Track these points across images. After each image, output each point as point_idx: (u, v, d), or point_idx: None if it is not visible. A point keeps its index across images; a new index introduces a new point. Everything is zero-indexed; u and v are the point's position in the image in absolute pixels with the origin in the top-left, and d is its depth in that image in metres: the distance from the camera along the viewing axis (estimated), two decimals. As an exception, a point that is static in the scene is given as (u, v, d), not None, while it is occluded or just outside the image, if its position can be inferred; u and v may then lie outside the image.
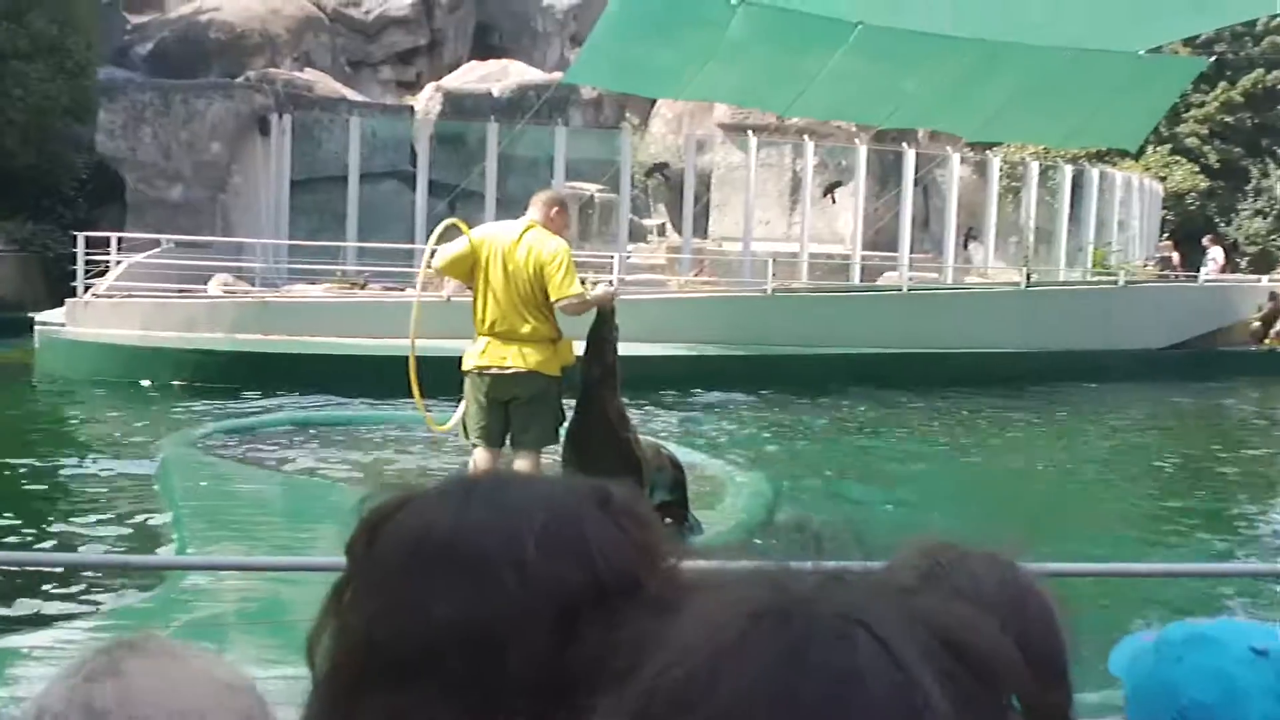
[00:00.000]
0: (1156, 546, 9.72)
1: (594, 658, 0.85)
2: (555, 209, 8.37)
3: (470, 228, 8.45)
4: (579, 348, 8.25)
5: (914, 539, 1.55)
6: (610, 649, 0.83)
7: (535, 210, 8.32)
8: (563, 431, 8.25)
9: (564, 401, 8.26)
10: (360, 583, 0.95)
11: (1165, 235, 33.33)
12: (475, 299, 8.25)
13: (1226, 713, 1.36)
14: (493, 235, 8.35)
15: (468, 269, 8.25)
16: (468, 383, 8.29)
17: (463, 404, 8.37)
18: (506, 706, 0.87)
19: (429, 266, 8.94)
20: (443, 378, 8.88)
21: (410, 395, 8.45)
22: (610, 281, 8.72)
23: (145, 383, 15.76)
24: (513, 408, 8.17)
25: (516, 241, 8.11)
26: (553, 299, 8.01)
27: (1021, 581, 1.46)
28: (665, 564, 0.93)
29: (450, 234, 8.47)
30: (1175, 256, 30.44)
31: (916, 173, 26.64)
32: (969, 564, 1.48)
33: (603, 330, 8.10)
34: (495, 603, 0.89)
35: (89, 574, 6.88)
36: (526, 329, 8.06)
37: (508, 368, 8.09)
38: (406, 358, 9.58)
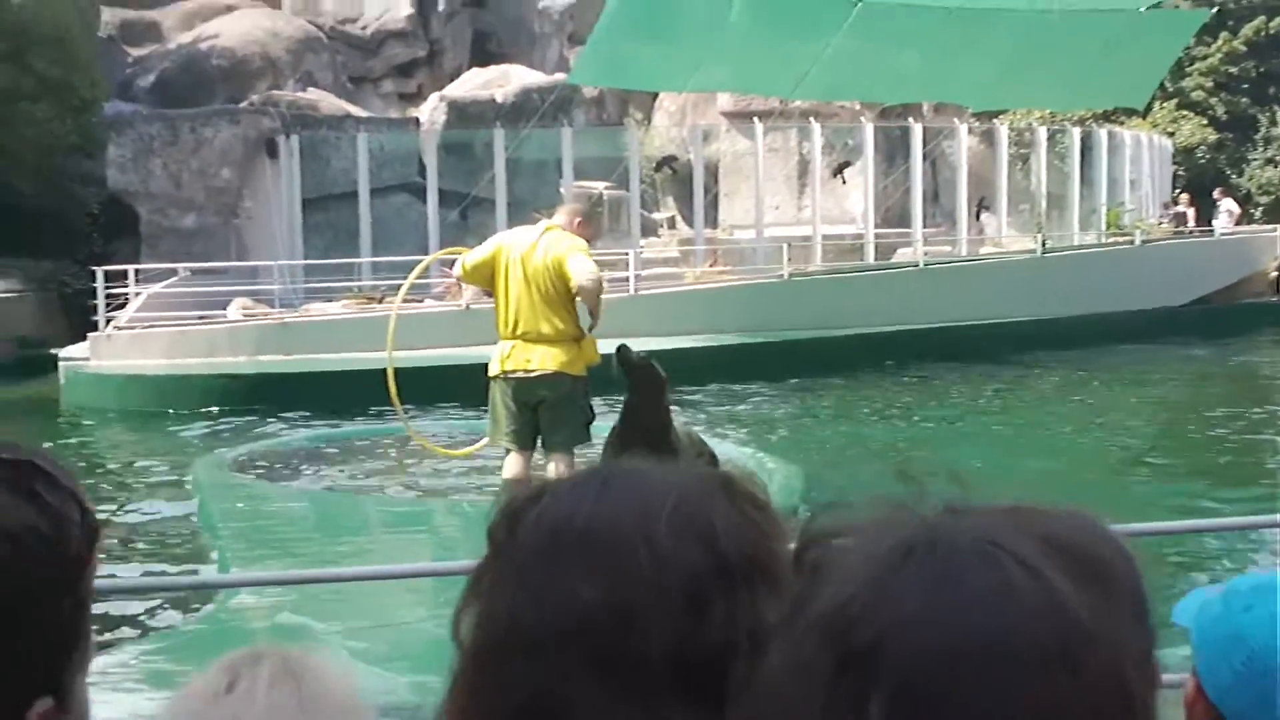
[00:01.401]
0: (1212, 503, 9.72)
1: (720, 638, 0.94)
2: (578, 220, 8.46)
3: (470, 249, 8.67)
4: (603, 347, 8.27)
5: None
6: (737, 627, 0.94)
7: (559, 216, 8.44)
8: (592, 430, 8.30)
9: (591, 400, 8.31)
10: (502, 566, 1.02)
11: (1179, 191, 33.16)
12: (497, 304, 8.33)
13: None
14: (511, 240, 8.44)
15: (488, 275, 8.35)
16: (494, 387, 8.35)
17: (485, 428, 8.48)
18: (643, 681, 0.94)
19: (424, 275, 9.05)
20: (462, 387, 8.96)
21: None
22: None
23: (173, 410, 15.87)
24: (541, 410, 8.22)
25: (535, 244, 8.19)
26: (572, 285, 8.03)
27: (1103, 533, 1.52)
28: (782, 546, 1.00)
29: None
30: (1190, 212, 30.28)
31: (924, 146, 26.59)
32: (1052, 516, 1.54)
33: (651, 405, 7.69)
34: (631, 581, 0.95)
35: (134, 599, 6.95)
36: (549, 330, 8.13)
37: (532, 370, 8.15)
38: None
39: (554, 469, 7.99)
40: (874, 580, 0.74)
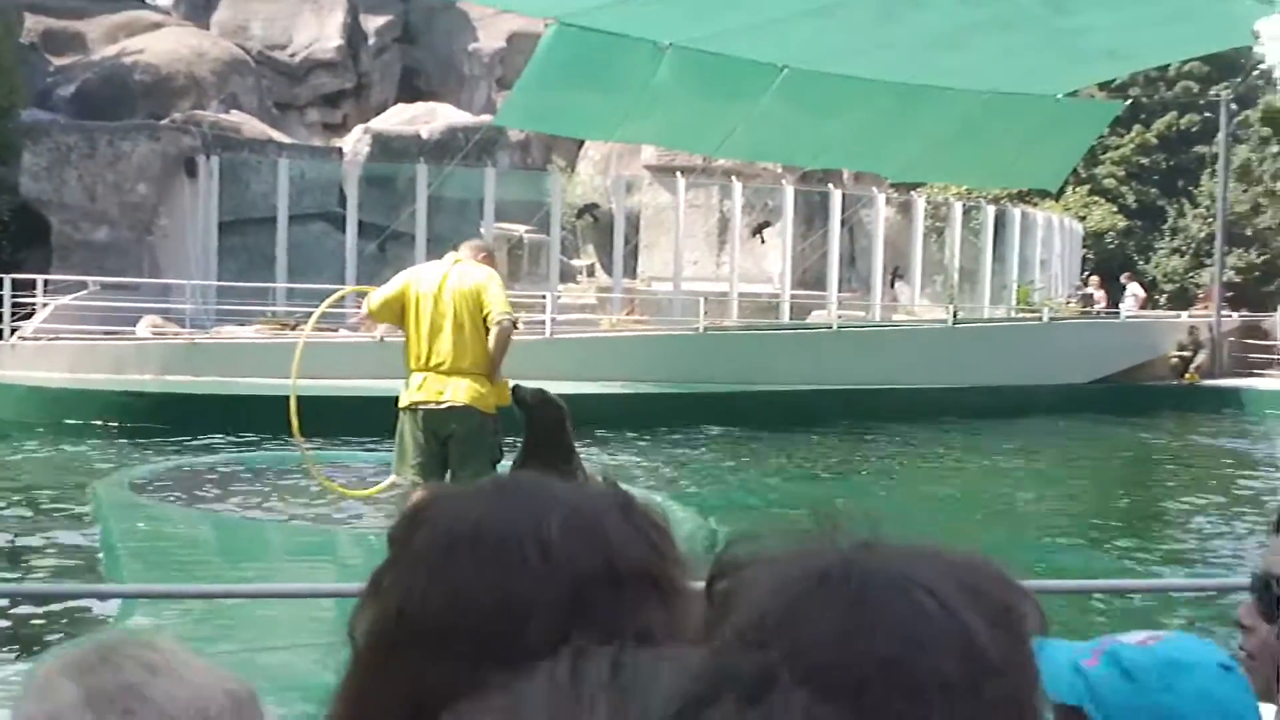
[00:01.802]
0: (1089, 565, 9.90)
1: (604, 639, 0.93)
2: (482, 255, 8.50)
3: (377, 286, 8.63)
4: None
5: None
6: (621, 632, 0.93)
7: (464, 250, 8.46)
8: (500, 469, 8.27)
9: (502, 439, 8.29)
10: (399, 566, 1.03)
11: (1088, 273, 33.91)
12: (408, 338, 8.27)
13: None
14: (420, 275, 8.42)
15: (397, 312, 8.30)
16: (404, 419, 8.30)
17: (393, 463, 8.42)
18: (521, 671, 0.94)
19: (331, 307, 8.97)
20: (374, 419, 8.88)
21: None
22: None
23: (74, 423, 15.57)
24: (450, 444, 8.19)
25: (446, 275, 8.19)
26: (493, 317, 8.04)
27: (1012, 582, 1.55)
28: (674, 565, 1.02)
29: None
30: (1100, 294, 30.92)
31: (843, 213, 26.97)
32: (965, 560, 1.57)
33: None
34: (519, 577, 0.97)
35: (29, 616, 6.80)
36: (465, 361, 8.10)
37: (443, 402, 8.11)
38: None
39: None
40: (787, 604, 0.75)
